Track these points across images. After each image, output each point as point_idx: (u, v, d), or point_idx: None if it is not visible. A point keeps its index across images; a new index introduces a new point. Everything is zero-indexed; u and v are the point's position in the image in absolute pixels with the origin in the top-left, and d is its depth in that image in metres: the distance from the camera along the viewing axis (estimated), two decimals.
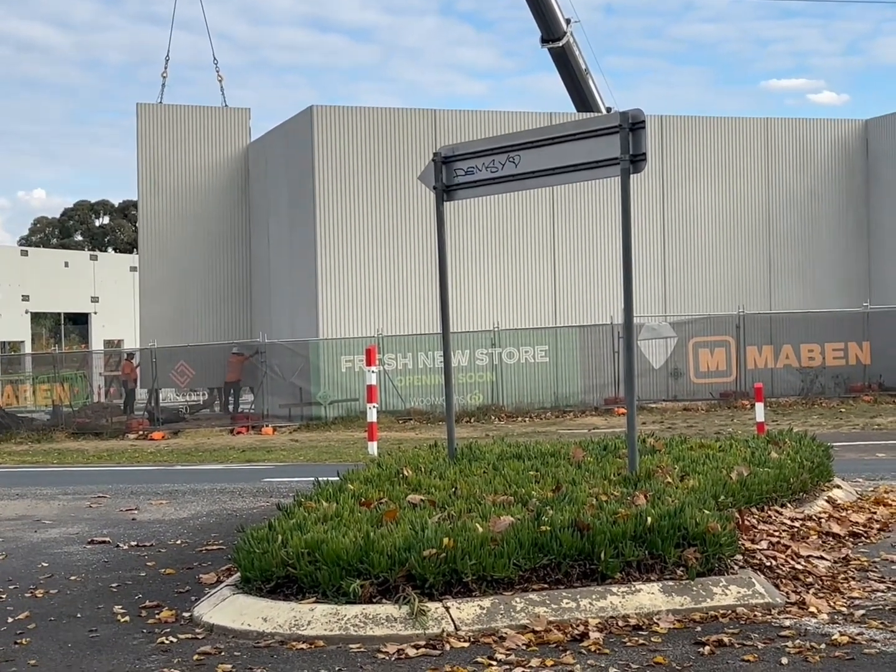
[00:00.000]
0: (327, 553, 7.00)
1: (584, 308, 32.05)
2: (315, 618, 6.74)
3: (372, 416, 18.45)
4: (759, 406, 17.71)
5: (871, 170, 35.05)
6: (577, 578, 7.09)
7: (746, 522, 8.44)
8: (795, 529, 8.87)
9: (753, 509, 9.00)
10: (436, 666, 6.11)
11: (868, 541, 9.19)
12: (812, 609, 6.95)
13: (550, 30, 37.20)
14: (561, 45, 37.47)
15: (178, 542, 10.44)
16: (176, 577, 8.72)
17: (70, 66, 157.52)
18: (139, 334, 37.16)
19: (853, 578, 7.79)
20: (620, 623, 6.72)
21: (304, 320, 31.79)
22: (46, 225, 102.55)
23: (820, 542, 8.79)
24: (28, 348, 63.42)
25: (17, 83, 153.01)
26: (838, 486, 11.08)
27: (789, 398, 29.05)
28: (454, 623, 6.65)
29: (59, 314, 71.43)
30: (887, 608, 7.00)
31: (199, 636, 6.88)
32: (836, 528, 9.23)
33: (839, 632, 6.46)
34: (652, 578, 7.13)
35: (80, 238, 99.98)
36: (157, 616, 7.42)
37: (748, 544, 7.98)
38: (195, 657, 6.43)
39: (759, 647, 6.26)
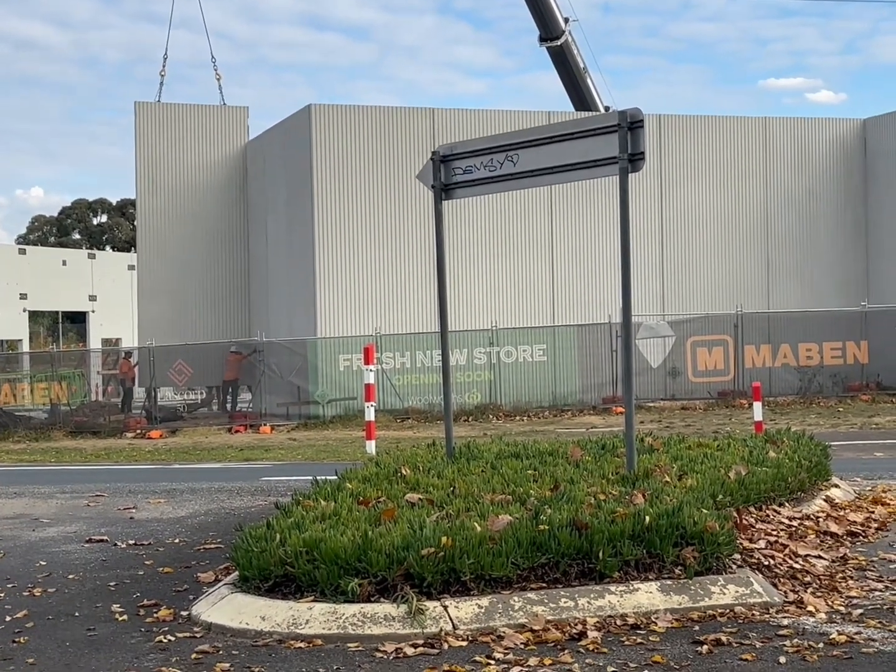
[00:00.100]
0: (325, 552, 7.00)
1: (583, 307, 32.06)
2: (313, 617, 6.74)
3: (370, 414, 18.44)
4: (757, 405, 17.72)
5: (870, 169, 35.07)
6: (576, 577, 7.09)
7: (744, 522, 8.44)
8: (793, 529, 8.87)
9: (751, 508, 9.01)
10: (434, 665, 6.11)
11: (866, 540, 9.20)
12: (810, 608, 6.95)
13: (549, 28, 37.19)
14: (559, 43, 37.45)
15: (176, 540, 10.43)
16: (174, 576, 8.72)
17: (68, 65, 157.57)
18: (137, 333, 37.15)
19: (851, 577, 7.79)
20: (618, 622, 6.72)
21: (302, 319, 31.79)
22: (44, 223, 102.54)
23: (818, 541, 8.79)
24: (26, 347, 63.41)
25: (16, 81, 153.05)
26: (836, 486, 11.08)
27: (787, 397, 29.07)
28: (452, 622, 6.65)
29: (56, 313, 71.42)
30: (885, 607, 7.01)
31: (198, 635, 6.88)
32: (834, 528, 9.23)
33: (837, 631, 6.46)
34: (650, 577, 7.13)
35: (77, 236, 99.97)
36: (155, 615, 7.42)
37: (746, 543, 7.99)
38: (193, 656, 6.43)
39: (758, 646, 6.26)
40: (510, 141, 10.15)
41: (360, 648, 6.45)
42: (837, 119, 35.97)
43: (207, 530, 10.97)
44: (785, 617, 6.82)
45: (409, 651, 6.33)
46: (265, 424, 28.56)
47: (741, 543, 7.86)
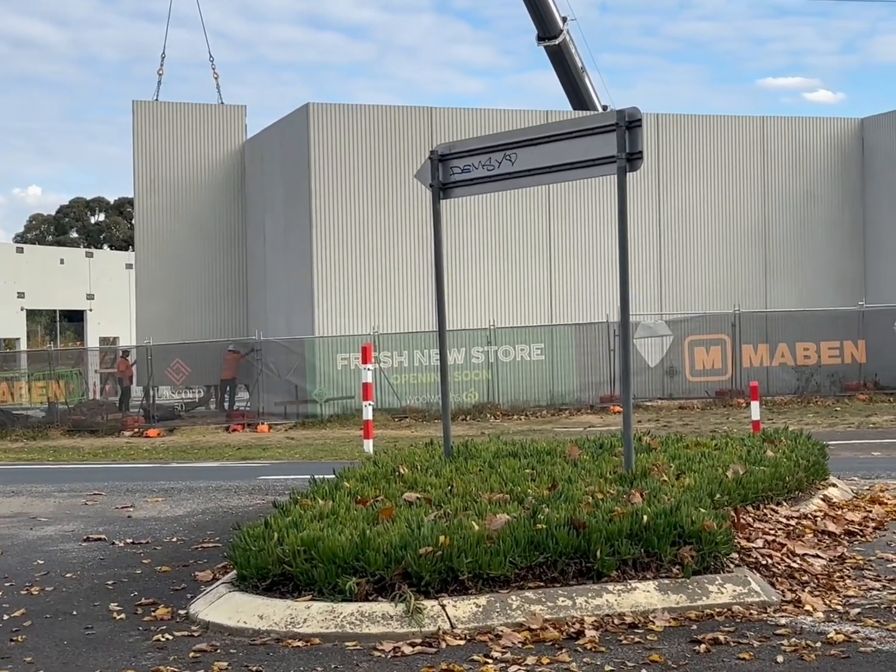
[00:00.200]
0: (323, 551, 7.00)
1: (580, 306, 32.07)
2: (311, 616, 6.74)
3: (368, 413, 18.44)
4: (755, 404, 17.73)
5: (867, 168, 35.08)
6: (574, 576, 7.10)
7: (742, 521, 8.44)
8: (791, 528, 8.88)
9: (749, 508, 9.01)
10: (432, 664, 6.11)
11: (863, 539, 9.20)
12: (808, 607, 6.95)
13: (547, 28, 37.18)
14: (557, 42, 37.45)
15: (174, 539, 10.43)
16: (172, 575, 8.72)
17: (66, 63, 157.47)
18: (135, 331, 37.13)
19: (849, 577, 7.80)
20: (616, 621, 6.72)
21: (299, 318, 31.78)
22: (42, 222, 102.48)
23: (815, 540, 8.80)
24: (23, 345, 63.38)
25: (13, 80, 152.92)
26: (834, 485, 11.09)
27: (785, 397, 29.08)
28: (450, 621, 6.65)
29: (54, 311, 71.39)
30: (883, 606, 7.01)
31: (195, 634, 6.88)
32: (831, 527, 9.24)
33: (835, 630, 6.46)
34: (648, 577, 7.14)
35: (75, 235, 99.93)
36: (152, 613, 7.42)
37: (744, 542, 7.99)
38: (191, 655, 6.43)
39: (755, 645, 6.27)
40: (508, 140, 10.15)
41: (357, 647, 6.45)
42: (835, 118, 35.99)
43: (205, 529, 10.97)
44: (783, 616, 6.83)
45: (407, 650, 6.34)
46: (263, 423, 28.55)
47: (739, 543, 7.86)
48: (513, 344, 29.58)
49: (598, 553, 7.08)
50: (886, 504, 10.78)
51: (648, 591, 6.98)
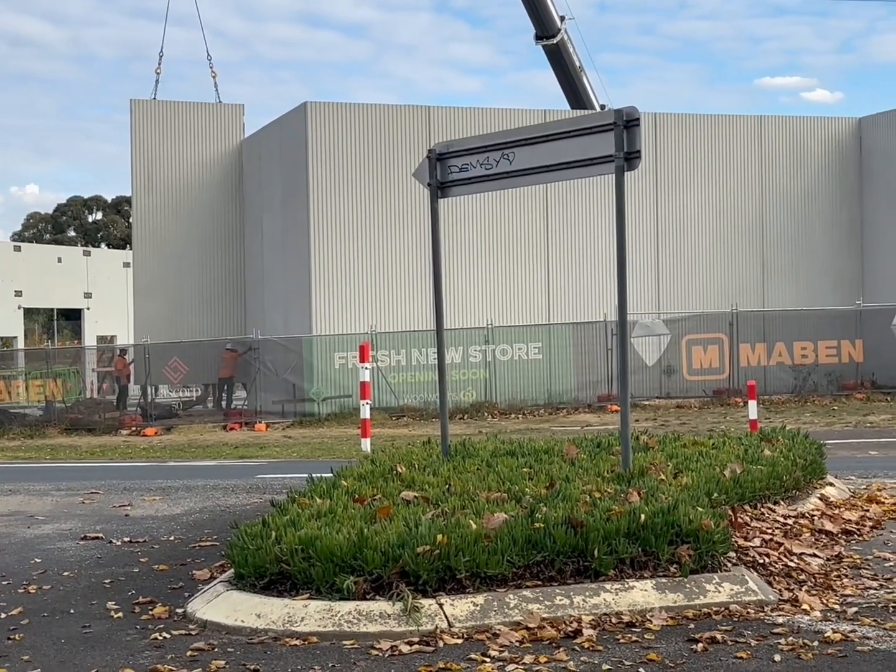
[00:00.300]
0: (321, 549, 7.00)
1: (578, 305, 32.08)
2: (309, 614, 6.74)
3: (365, 412, 18.45)
4: (752, 403, 17.73)
5: (865, 168, 35.10)
6: (571, 575, 7.10)
7: (739, 520, 8.45)
8: (788, 527, 8.88)
9: (746, 507, 9.02)
10: (429, 662, 6.11)
11: (861, 538, 9.21)
12: (805, 606, 6.96)
13: (545, 27, 37.19)
14: (555, 42, 37.46)
15: (172, 538, 10.43)
16: (169, 574, 8.72)
17: (64, 62, 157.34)
18: (133, 330, 37.11)
19: (846, 576, 7.80)
20: (614, 620, 6.73)
21: (297, 317, 31.78)
22: (39, 220, 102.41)
23: (813, 539, 8.81)
24: (21, 344, 63.34)
25: (11, 78, 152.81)
26: (831, 484, 11.10)
27: (782, 396, 29.09)
28: (448, 620, 6.65)
29: (51, 310, 71.33)
30: (880, 605, 7.02)
31: (193, 632, 6.88)
32: (828, 526, 9.25)
33: (832, 629, 6.47)
34: (645, 575, 7.14)
35: (73, 234, 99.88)
36: (150, 612, 7.42)
37: (741, 542, 7.99)
38: (189, 653, 6.43)
39: (752, 644, 6.27)
40: (506, 139, 10.15)
41: (355, 646, 6.45)
42: (833, 118, 36.01)
43: (203, 528, 10.96)
44: (780, 615, 6.83)
45: (405, 649, 6.34)
46: (260, 422, 28.55)
47: (736, 542, 7.87)
48: (510, 343, 29.58)
49: (596, 552, 7.08)
50: (884, 503, 10.79)
51: (646, 590, 6.99)
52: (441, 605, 6.74)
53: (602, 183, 27.11)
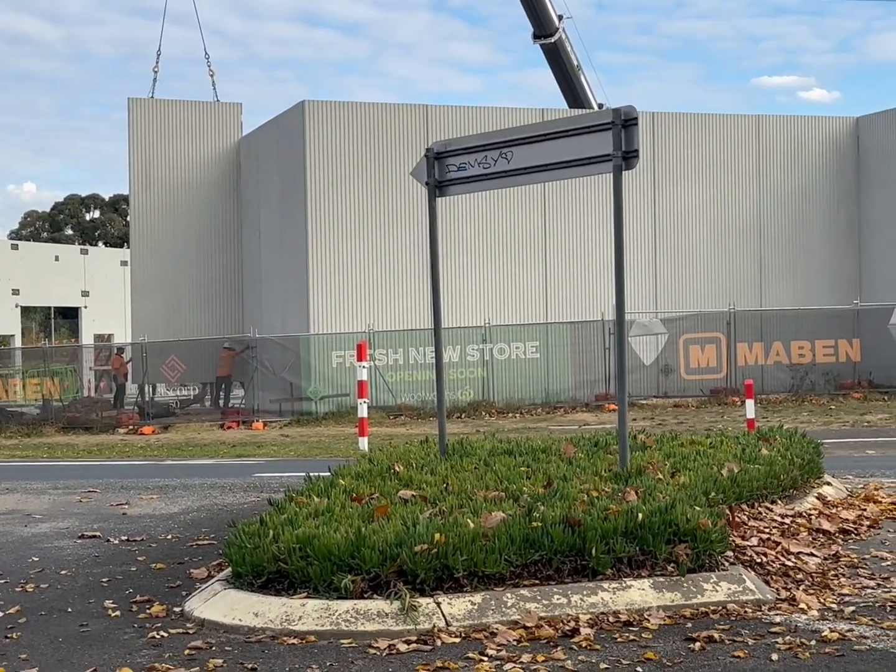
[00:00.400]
0: (319, 548, 7.00)
1: (575, 304, 32.09)
2: (306, 613, 6.75)
3: (363, 411, 18.46)
4: (750, 403, 17.74)
5: (862, 167, 35.11)
6: (568, 574, 7.10)
7: (737, 519, 8.45)
8: (786, 526, 8.89)
9: (744, 506, 9.02)
10: (427, 661, 6.12)
11: (858, 538, 9.22)
12: (802, 605, 6.97)
13: (542, 26, 37.19)
14: (553, 41, 37.47)
15: (169, 536, 10.42)
16: (167, 572, 8.71)
17: (61, 60, 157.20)
18: (130, 329, 37.09)
19: (843, 575, 7.81)
20: (611, 619, 6.73)
21: (294, 315, 31.77)
22: (37, 219, 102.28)
23: (810, 538, 8.81)
24: (18, 342, 63.26)
25: (9, 77, 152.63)
26: (828, 483, 11.10)
27: (779, 395, 29.10)
28: (445, 618, 6.65)
29: (49, 308, 71.26)
30: (877, 605, 7.02)
31: (191, 631, 6.88)
32: (826, 525, 9.25)
33: (829, 628, 6.47)
34: (643, 574, 7.14)
35: (70, 232, 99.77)
36: (148, 611, 7.42)
37: (738, 541, 8.00)
38: (186, 652, 6.43)
39: (750, 643, 6.28)
40: (504, 138, 10.15)
41: (353, 645, 6.45)
42: (830, 117, 36.02)
43: (200, 526, 10.96)
44: (777, 614, 6.84)
45: (402, 647, 6.34)
46: (258, 421, 28.53)
47: (733, 541, 7.88)
48: (508, 342, 29.58)
49: (594, 551, 7.08)
50: (881, 502, 10.80)
51: (643, 589, 6.99)
52: (439, 604, 6.74)
53: (600, 182, 27.12)
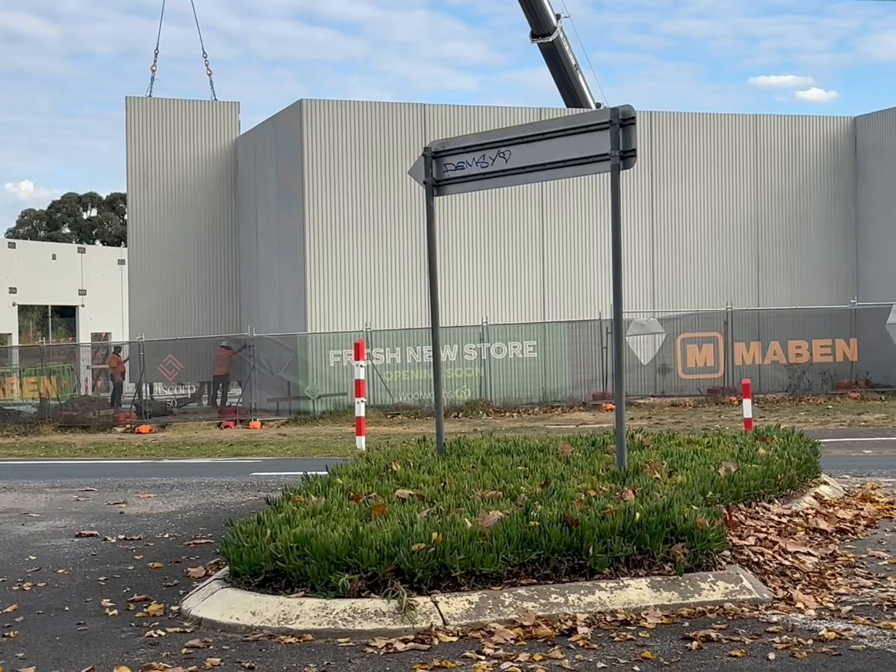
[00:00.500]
0: (316, 547, 7.00)
1: (573, 303, 32.10)
2: (304, 612, 6.75)
3: (360, 410, 18.44)
4: (747, 402, 17.75)
5: (860, 167, 35.14)
6: (566, 573, 7.11)
7: (734, 518, 8.46)
8: (783, 525, 8.89)
9: (741, 505, 9.03)
10: (424, 660, 6.12)
11: (855, 537, 9.23)
12: (799, 605, 6.97)
13: (540, 25, 37.20)
14: (551, 40, 37.48)
15: (167, 535, 10.42)
16: (164, 571, 8.71)
17: (58, 58, 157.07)
18: (127, 327, 37.08)
19: (840, 574, 7.81)
20: (608, 618, 6.73)
21: (292, 314, 31.77)
22: (34, 217, 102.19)
23: (807, 538, 8.82)
24: (15, 341, 63.19)
25: (5, 75, 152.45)
26: (825, 483, 11.11)
27: (777, 394, 29.13)
28: (443, 617, 6.66)
29: (46, 307, 71.19)
30: (874, 604, 7.03)
31: (188, 630, 6.88)
32: (823, 525, 9.26)
33: (826, 627, 6.48)
34: (640, 574, 7.15)
35: (67, 230, 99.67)
36: (145, 610, 7.41)
37: (736, 540, 8.00)
38: (184, 651, 6.43)
39: (747, 642, 6.28)
40: (502, 137, 10.15)
41: (350, 644, 6.45)
42: (828, 117, 36.04)
43: (197, 525, 10.96)
44: (774, 613, 6.84)
45: (400, 646, 6.34)
46: (255, 420, 28.53)
47: (731, 540, 7.88)
48: (505, 341, 29.60)
49: (591, 550, 7.08)
50: (878, 502, 10.81)
51: (641, 589, 7.00)
52: (436, 603, 6.74)
53: (597, 181, 27.17)
